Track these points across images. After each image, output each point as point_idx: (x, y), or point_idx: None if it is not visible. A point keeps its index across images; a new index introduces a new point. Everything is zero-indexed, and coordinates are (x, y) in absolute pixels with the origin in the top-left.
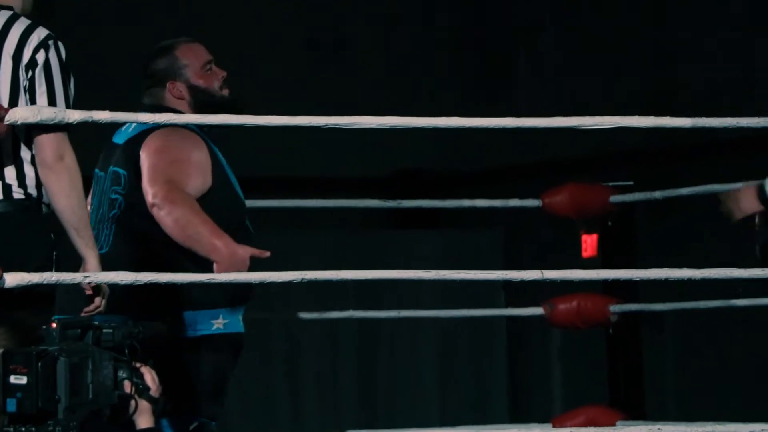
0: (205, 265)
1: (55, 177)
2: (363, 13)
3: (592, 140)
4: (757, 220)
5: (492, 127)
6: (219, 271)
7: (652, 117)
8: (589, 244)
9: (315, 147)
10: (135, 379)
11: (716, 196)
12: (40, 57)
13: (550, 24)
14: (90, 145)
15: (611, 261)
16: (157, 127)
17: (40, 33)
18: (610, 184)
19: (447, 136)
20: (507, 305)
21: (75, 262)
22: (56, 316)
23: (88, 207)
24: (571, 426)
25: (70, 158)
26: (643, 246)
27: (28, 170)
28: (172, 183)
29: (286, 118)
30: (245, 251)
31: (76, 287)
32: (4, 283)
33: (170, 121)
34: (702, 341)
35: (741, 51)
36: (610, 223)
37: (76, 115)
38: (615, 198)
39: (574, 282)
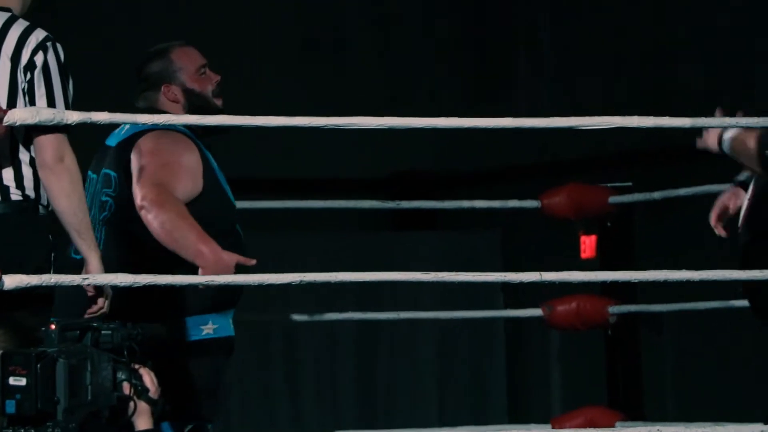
0: (195, 270)
1: (56, 178)
2: (363, 13)
3: (591, 141)
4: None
5: (491, 127)
6: None
7: (651, 117)
8: (588, 245)
9: (313, 147)
10: (134, 381)
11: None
12: (39, 59)
13: (549, 24)
14: (90, 147)
15: (610, 262)
16: (149, 129)
17: (39, 35)
18: (609, 185)
19: (446, 136)
20: (506, 306)
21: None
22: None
23: None
24: (570, 427)
25: (70, 159)
26: (642, 247)
27: (26, 171)
28: (161, 186)
29: (284, 119)
30: (231, 258)
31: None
32: (2, 285)
33: (169, 122)
34: (701, 342)
35: (741, 51)
36: (609, 224)
37: (74, 117)
38: (614, 199)
39: (572, 283)
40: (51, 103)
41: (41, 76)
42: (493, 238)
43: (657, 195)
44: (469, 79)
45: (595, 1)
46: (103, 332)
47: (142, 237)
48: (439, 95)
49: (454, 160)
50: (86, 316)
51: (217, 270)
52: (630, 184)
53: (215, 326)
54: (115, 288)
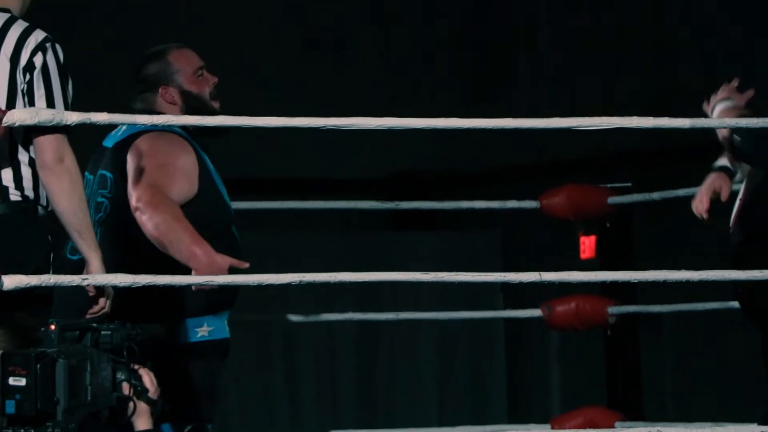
0: (189, 272)
1: (56, 179)
2: (363, 13)
3: (590, 141)
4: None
5: (490, 128)
6: None
7: (650, 118)
8: (587, 245)
9: (313, 148)
10: (133, 381)
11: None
12: (38, 60)
13: (549, 24)
14: (90, 147)
15: (609, 262)
16: (146, 131)
17: (38, 35)
18: (608, 185)
19: (445, 137)
20: (505, 307)
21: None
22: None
23: None
24: (569, 427)
25: (70, 160)
26: (641, 247)
27: (26, 172)
28: (156, 187)
29: (284, 120)
30: (224, 260)
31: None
32: (2, 285)
33: (168, 123)
34: (700, 342)
35: (741, 51)
36: (608, 225)
37: (74, 117)
38: (613, 199)
39: (572, 283)
40: (50, 103)
41: (40, 76)
42: (492, 238)
43: (656, 195)
44: (469, 79)
45: (595, 1)
46: (102, 333)
47: (137, 238)
48: (439, 95)
49: (453, 161)
50: (88, 315)
51: (210, 272)
52: (629, 184)
53: (210, 328)
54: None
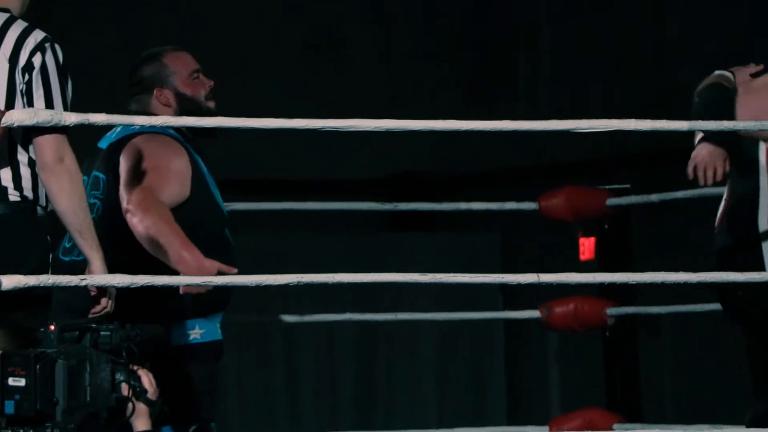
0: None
1: (56, 179)
2: (363, 13)
3: (588, 143)
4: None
5: (489, 130)
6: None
7: (648, 120)
8: (587, 247)
9: (312, 149)
10: (132, 382)
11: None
12: (37, 60)
13: (549, 24)
14: (89, 147)
15: (608, 264)
16: (140, 132)
17: (37, 36)
18: (607, 187)
19: (444, 138)
20: (504, 308)
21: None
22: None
23: None
24: (568, 429)
25: (70, 160)
26: (640, 249)
27: (25, 172)
28: (148, 190)
29: (282, 121)
30: (212, 265)
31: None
32: (0, 286)
33: (167, 124)
34: (699, 344)
35: (741, 51)
36: (606, 226)
37: (72, 118)
38: (612, 201)
39: (571, 284)
40: (49, 104)
41: (39, 77)
42: (492, 239)
43: (655, 197)
44: (469, 79)
45: (595, 1)
46: (101, 333)
47: (129, 240)
48: (439, 95)
49: (452, 162)
50: (90, 315)
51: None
52: (628, 186)
53: (202, 330)
54: None
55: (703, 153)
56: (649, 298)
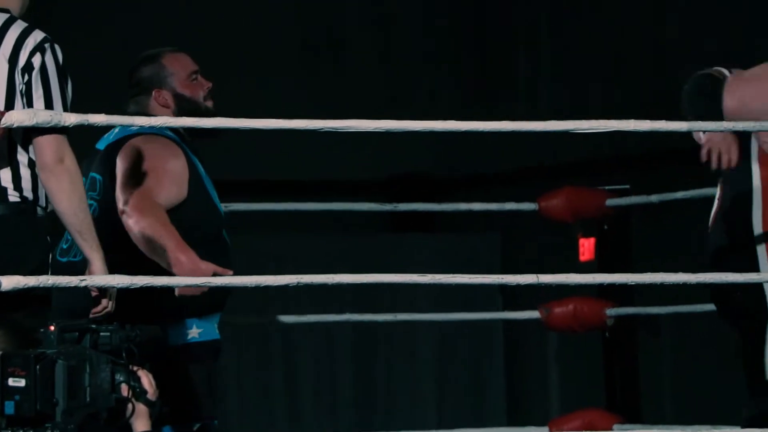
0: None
1: (56, 179)
2: (362, 14)
3: (588, 144)
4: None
5: (489, 130)
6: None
7: (648, 121)
8: (586, 247)
9: (311, 149)
10: (132, 383)
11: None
12: (37, 60)
13: (549, 24)
14: (89, 149)
15: (608, 264)
16: (138, 133)
17: (37, 36)
18: (607, 187)
19: (443, 139)
20: (504, 308)
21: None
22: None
23: None
24: (567, 429)
25: (70, 160)
26: (639, 249)
27: (24, 173)
28: (144, 191)
29: (281, 122)
30: (208, 267)
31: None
32: (0, 286)
33: (166, 125)
34: (698, 344)
35: (740, 51)
36: (606, 227)
37: (72, 119)
38: (611, 202)
39: (570, 285)
40: (49, 104)
41: (39, 77)
42: (491, 240)
43: (654, 198)
44: (468, 79)
45: (595, 1)
46: (101, 334)
47: (125, 241)
48: (439, 95)
49: (452, 163)
50: (91, 316)
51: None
52: (627, 186)
53: (200, 330)
54: None
55: (717, 137)
56: (649, 298)
